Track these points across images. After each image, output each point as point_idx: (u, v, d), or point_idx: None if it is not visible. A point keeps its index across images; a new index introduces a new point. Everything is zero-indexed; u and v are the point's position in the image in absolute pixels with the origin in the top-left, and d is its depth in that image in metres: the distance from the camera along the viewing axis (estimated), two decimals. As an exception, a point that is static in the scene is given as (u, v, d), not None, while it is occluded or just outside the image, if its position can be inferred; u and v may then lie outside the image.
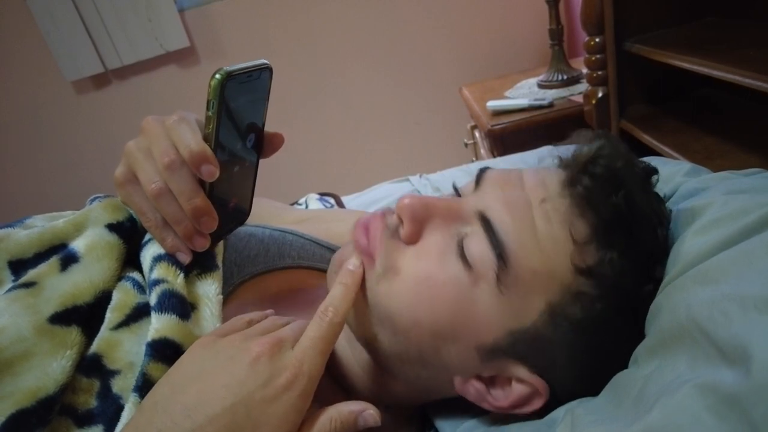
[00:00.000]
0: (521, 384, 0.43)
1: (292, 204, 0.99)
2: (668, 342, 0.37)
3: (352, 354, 0.49)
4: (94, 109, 1.94)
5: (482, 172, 0.47)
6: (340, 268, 0.45)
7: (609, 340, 0.42)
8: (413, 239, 0.44)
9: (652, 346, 0.39)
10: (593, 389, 0.43)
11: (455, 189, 0.49)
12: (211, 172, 0.38)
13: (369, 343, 0.46)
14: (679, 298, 0.38)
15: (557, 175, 0.44)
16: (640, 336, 0.42)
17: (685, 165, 0.57)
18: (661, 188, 0.50)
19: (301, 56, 1.91)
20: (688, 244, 0.41)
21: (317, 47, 1.92)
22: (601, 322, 0.41)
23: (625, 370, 0.41)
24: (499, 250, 0.40)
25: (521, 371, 0.43)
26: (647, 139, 0.95)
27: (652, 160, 0.55)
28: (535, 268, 0.41)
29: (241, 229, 0.56)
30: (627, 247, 0.41)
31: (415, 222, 0.44)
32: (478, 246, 0.41)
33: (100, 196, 0.51)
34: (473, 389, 0.45)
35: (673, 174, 0.55)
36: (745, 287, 0.34)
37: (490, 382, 0.45)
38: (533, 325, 0.41)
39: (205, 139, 0.39)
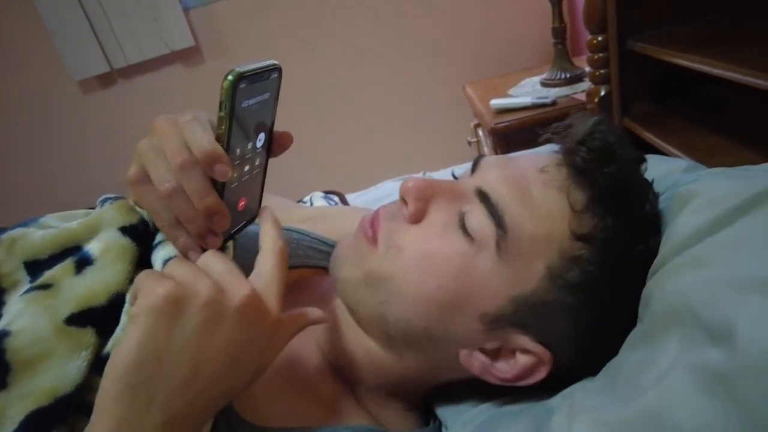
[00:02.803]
0: (525, 355, 0.45)
1: (297, 202, 1.00)
2: (661, 326, 0.38)
3: (356, 341, 0.50)
4: (100, 108, 1.96)
5: (479, 158, 0.51)
6: (340, 261, 0.49)
7: (607, 303, 0.43)
8: (418, 217, 0.47)
9: (645, 331, 0.40)
10: (593, 364, 0.44)
11: (453, 176, 0.51)
12: (224, 171, 0.39)
13: (374, 325, 0.48)
14: (672, 283, 0.39)
15: (555, 152, 0.48)
16: (635, 313, 0.43)
17: (683, 162, 0.58)
18: (660, 184, 0.51)
19: (305, 55, 1.92)
20: (680, 224, 0.43)
21: (321, 46, 1.92)
22: (599, 284, 0.43)
23: (620, 356, 0.42)
24: (497, 218, 0.43)
25: (525, 341, 0.45)
26: (650, 137, 0.94)
27: (651, 158, 0.55)
28: (533, 234, 0.43)
29: (250, 228, 0.56)
30: (621, 214, 0.43)
31: (419, 200, 0.47)
32: (478, 218, 0.44)
33: (111, 197, 0.51)
34: (478, 362, 0.46)
35: (670, 171, 0.56)
36: (734, 270, 0.35)
37: (494, 355, 0.46)
38: (534, 291, 0.43)
39: (218, 139, 0.40)
